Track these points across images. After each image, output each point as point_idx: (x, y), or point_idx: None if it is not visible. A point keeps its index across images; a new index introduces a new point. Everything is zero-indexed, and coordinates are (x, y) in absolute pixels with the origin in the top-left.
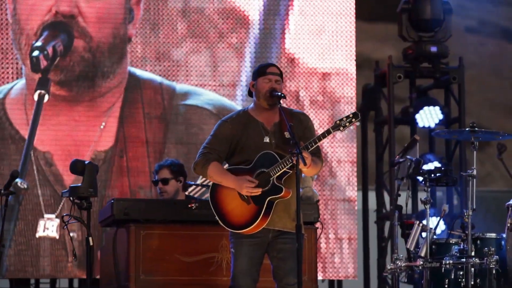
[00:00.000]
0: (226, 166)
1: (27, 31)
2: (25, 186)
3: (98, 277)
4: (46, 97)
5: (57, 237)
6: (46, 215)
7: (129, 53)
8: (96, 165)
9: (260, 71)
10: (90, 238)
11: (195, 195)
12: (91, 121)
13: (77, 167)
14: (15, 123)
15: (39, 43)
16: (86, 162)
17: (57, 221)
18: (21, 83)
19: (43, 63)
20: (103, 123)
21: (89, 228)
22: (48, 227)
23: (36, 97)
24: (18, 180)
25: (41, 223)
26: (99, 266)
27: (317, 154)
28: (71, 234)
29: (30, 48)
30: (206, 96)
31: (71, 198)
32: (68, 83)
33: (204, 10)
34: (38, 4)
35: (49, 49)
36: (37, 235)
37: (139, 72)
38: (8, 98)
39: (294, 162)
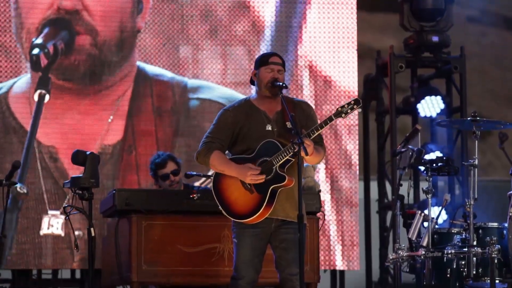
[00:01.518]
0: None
1: (28, 26)
2: (25, 191)
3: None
4: (47, 97)
5: (63, 234)
6: (50, 212)
7: (137, 46)
8: (97, 155)
9: (262, 61)
10: (92, 229)
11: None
12: (98, 114)
13: (78, 157)
14: (19, 117)
15: (39, 41)
16: (88, 153)
17: (62, 218)
18: (25, 78)
19: (44, 62)
20: (111, 116)
21: (90, 219)
22: (53, 224)
23: (36, 97)
24: (17, 185)
25: (45, 220)
26: (101, 256)
27: (320, 143)
28: (77, 233)
29: (30, 46)
30: (219, 91)
31: (72, 189)
32: (74, 80)
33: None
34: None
35: (50, 47)
36: (41, 232)
37: (148, 67)
38: (12, 93)
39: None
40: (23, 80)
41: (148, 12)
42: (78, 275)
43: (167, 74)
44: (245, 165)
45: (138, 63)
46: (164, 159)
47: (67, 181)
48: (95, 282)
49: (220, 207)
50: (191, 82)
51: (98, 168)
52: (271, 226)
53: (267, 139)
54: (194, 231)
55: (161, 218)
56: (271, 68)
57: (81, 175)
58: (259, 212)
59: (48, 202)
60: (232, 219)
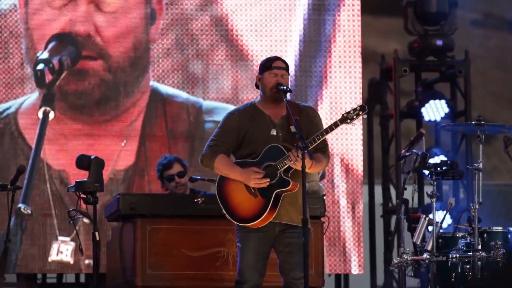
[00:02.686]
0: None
1: (40, 49)
2: (29, 212)
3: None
4: (52, 114)
5: (72, 262)
6: (60, 238)
7: (151, 63)
8: (102, 160)
9: (266, 65)
10: (97, 233)
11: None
12: (111, 138)
13: (83, 162)
14: (28, 138)
15: (44, 56)
16: (92, 157)
17: (73, 244)
18: (33, 97)
19: (48, 78)
20: (125, 141)
21: (95, 223)
22: (62, 250)
23: (40, 114)
24: (21, 205)
25: (55, 246)
26: (106, 261)
27: (323, 149)
28: (87, 262)
29: (35, 61)
30: None
31: (77, 193)
32: (88, 106)
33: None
34: (51, 23)
35: (55, 62)
36: (50, 259)
37: (162, 87)
38: (20, 113)
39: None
40: (32, 99)
41: (161, 21)
42: (82, 279)
43: (182, 94)
44: (249, 169)
45: (151, 82)
46: (171, 161)
47: (71, 185)
48: (99, 287)
49: (224, 211)
50: (207, 103)
51: (102, 173)
52: (275, 230)
53: (272, 143)
54: (198, 235)
55: (166, 222)
56: (275, 73)
57: (85, 179)
58: (263, 216)
59: (58, 228)
60: (236, 223)
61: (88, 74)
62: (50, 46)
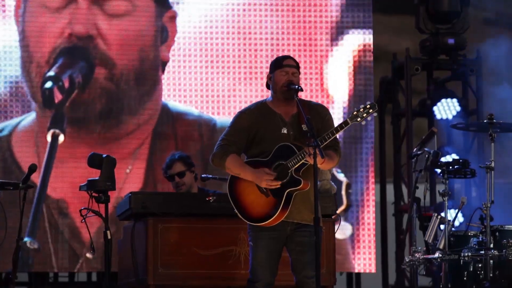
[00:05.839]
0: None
1: (37, 59)
2: (36, 247)
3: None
4: (61, 138)
5: None
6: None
7: (163, 80)
8: (113, 158)
9: (276, 64)
10: (108, 232)
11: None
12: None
13: (94, 160)
14: (24, 166)
15: (52, 73)
16: (104, 156)
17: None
18: (30, 118)
19: (58, 97)
20: (129, 167)
21: (107, 221)
22: None
23: (49, 137)
24: (27, 240)
25: None
26: (118, 259)
27: (335, 147)
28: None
29: (42, 78)
30: None
31: (89, 192)
32: (87, 121)
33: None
34: (49, 25)
35: (65, 80)
36: None
37: (171, 104)
38: (15, 136)
39: (311, 151)
40: (29, 120)
41: (174, 42)
42: (94, 278)
43: (193, 112)
44: (260, 170)
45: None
46: (172, 160)
47: (83, 184)
48: (111, 285)
49: (235, 210)
50: (221, 121)
51: (114, 171)
52: (287, 229)
53: (283, 142)
54: (210, 234)
55: (177, 221)
56: (286, 71)
57: (97, 178)
58: (275, 216)
59: (57, 266)
60: (247, 222)
61: (89, 82)
62: (58, 62)
